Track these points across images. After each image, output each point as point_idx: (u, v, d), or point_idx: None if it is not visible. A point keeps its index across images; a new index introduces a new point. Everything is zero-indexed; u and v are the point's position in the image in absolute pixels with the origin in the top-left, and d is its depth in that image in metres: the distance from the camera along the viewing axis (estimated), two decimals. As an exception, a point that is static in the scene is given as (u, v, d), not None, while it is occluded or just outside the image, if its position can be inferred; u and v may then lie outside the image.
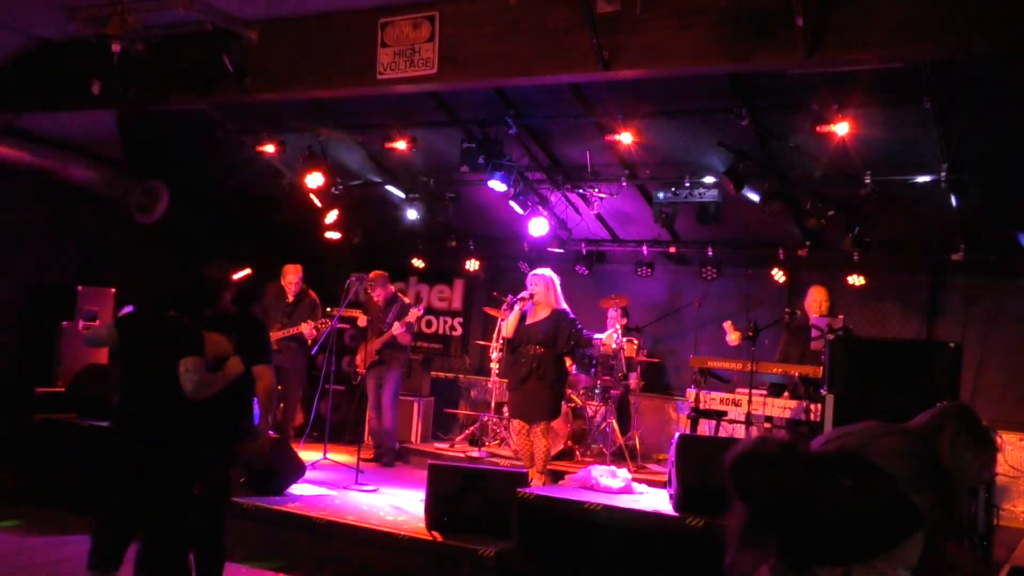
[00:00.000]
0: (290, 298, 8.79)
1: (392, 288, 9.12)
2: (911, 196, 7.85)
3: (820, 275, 8.95)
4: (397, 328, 8.57)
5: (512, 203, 8.88)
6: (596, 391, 8.89)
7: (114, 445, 4.51)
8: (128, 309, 5.33)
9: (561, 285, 7.35)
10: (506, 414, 8.93)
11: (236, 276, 5.17)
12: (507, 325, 7.30)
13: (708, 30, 5.70)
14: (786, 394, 7.52)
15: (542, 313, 7.21)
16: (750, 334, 7.27)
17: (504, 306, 7.70)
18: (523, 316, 7.23)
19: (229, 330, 4.82)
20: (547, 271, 7.37)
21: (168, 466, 4.40)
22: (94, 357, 8.38)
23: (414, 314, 8.68)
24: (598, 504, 5.51)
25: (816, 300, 7.83)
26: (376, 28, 6.70)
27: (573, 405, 8.62)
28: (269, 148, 9.05)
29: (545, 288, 7.22)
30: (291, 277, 8.79)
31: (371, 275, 8.94)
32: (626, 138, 7.70)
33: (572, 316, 7.26)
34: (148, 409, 4.44)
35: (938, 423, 2.48)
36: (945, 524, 2.21)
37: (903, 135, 7.27)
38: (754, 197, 8.13)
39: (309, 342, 8.63)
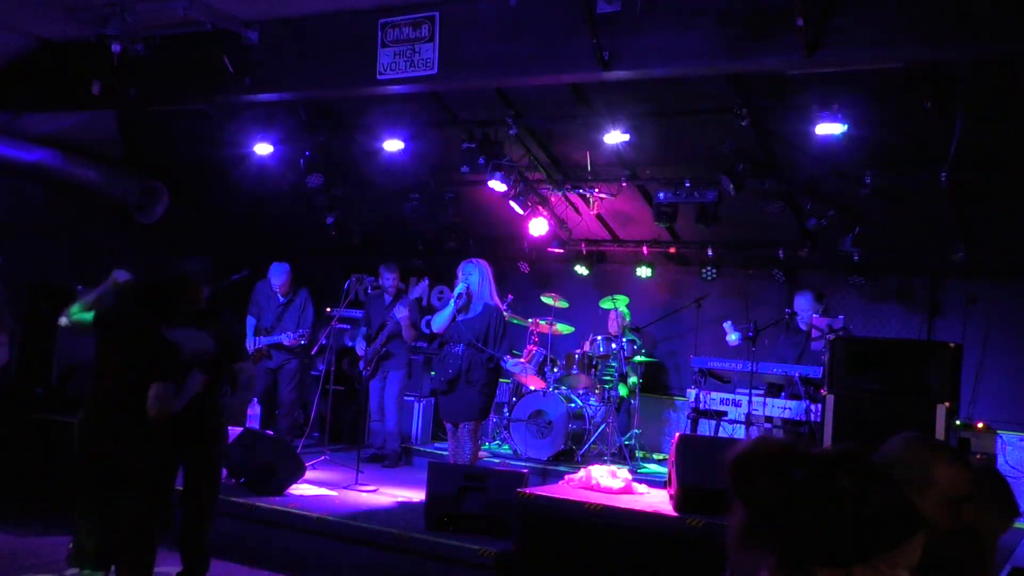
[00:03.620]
0: (280, 299, 8.74)
1: (398, 280, 8.92)
2: (911, 196, 7.85)
3: (820, 275, 8.96)
4: (400, 311, 8.22)
5: (512, 203, 8.88)
6: (596, 391, 8.89)
7: (85, 441, 4.52)
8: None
9: (493, 276, 6.85)
10: (506, 414, 8.94)
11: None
12: (438, 319, 6.72)
13: (708, 30, 5.70)
14: (783, 394, 7.52)
15: (475, 308, 6.69)
16: (750, 334, 7.27)
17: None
18: (456, 311, 6.72)
19: (210, 327, 4.82)
20: (480, 260, 6.85)
21: (141, 461, 4.41)
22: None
23: (424, 287, 8.31)
24: (598, 504, 5.51)
25: (800, 305, 7.84)
26: (376, 28, 6.71)
27: (573, 405, 8.62)
28: (269, 148, 9.04)
29: (480, 280, 6.69)
30: (277, 278, 8.71)
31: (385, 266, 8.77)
32: (626, 138, 7.69)
33: (506, 315, 6.83)
34: (119, 409, 4.44)
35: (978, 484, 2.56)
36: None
37: (903, 135, 7.27)
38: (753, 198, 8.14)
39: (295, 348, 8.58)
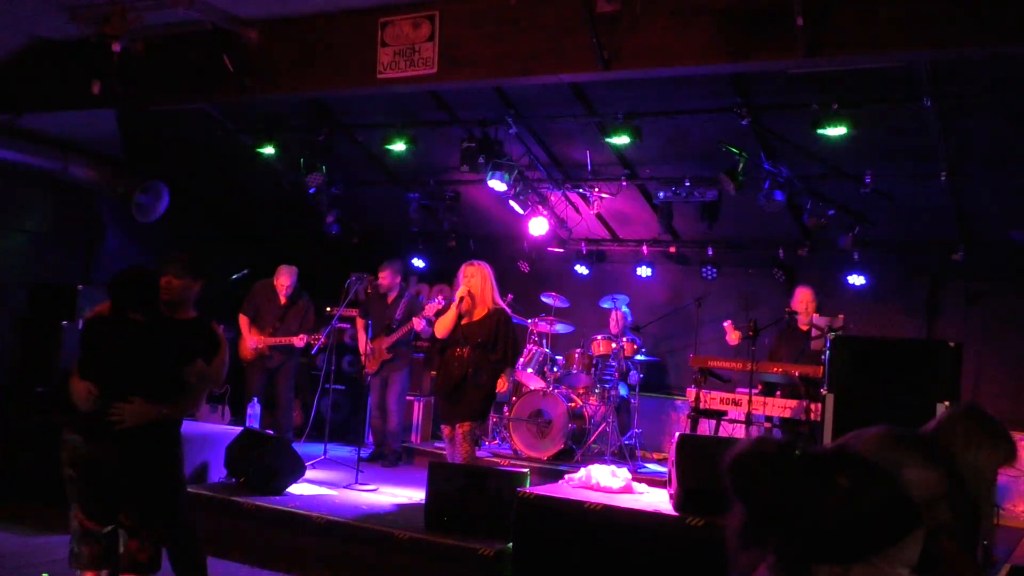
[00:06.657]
0: (282, 300, 8.69)
1: (399, 279, 8.82)
2: (911, 196, 7.86)
3: (820, 275, 8.95)
4: (418, 324, 8.15)
5: (512, 203, 8.88)
6: (596, 391, 8.89)
7: (87, 446, 4.45)
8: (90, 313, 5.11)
9: (496, 279, 6.70)
10: (506, 413, 8.94)
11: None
12: (442, 324, 6.59)
13: (708, 29, 5.70)
14: (778, 393, 7.50)
15: (479, 311, 6.56)
16: (750, 334, 7.26)
17: (434, 301, 7.11)
18: (459, 315, 6.59)
19: (184, 333, 4.66)
20: (482, 262, 6.72)
21: (147, 462, 4.36)
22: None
23: (432, 308, 8.29)
24: (598, 504, 5.51)
25: (803, 300, 7.80)
26: (376, 28, 6.70)
27: (573, 405, 8.62)
28: (269, 148, 9.04)
29: (482, 282, 6.54)
30: (284, 279, 8.65)
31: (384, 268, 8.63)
32: (626, 138, 7.70)
33: (513, 319, 6.75)
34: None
35: (949, 428, 2.50)
36: (968, 532, 2.26)
37: (903, 135, 7.27)
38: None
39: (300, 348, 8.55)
